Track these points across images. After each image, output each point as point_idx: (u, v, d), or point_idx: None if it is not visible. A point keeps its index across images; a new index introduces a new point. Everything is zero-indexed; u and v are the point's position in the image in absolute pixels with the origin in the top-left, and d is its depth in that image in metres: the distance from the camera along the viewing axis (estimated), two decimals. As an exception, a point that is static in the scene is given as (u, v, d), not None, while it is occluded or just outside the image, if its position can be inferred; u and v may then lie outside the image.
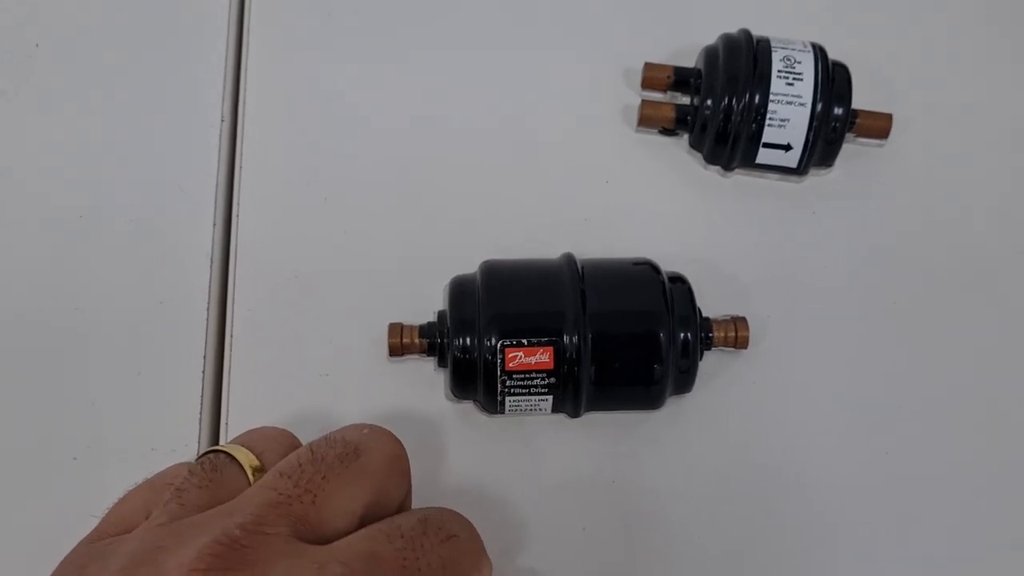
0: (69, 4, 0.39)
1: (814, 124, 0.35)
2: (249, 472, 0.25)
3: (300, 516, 0.22)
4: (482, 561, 0.25)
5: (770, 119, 0.35)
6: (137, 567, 0.22)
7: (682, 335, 0.31)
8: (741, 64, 0.35)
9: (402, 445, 0.26)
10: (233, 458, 0.25)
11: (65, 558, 0.24)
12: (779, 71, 0.35)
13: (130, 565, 0.22)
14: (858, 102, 0.36)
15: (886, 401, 0.34)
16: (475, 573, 0.24)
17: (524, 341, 0.30)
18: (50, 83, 0.38)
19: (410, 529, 0.23)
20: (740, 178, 0.37)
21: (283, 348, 0.33)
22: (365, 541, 0.22)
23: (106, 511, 0.25)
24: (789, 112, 0.35)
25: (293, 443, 0.27)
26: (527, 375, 0.30)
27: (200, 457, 0.26)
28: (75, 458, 0.32)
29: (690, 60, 0.38)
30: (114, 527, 0.25)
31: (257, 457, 0.25)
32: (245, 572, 0.21)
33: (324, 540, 0.22)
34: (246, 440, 0.27)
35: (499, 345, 0.30)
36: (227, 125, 0.37)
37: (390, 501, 0.25)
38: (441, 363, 0.32)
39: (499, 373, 0.30)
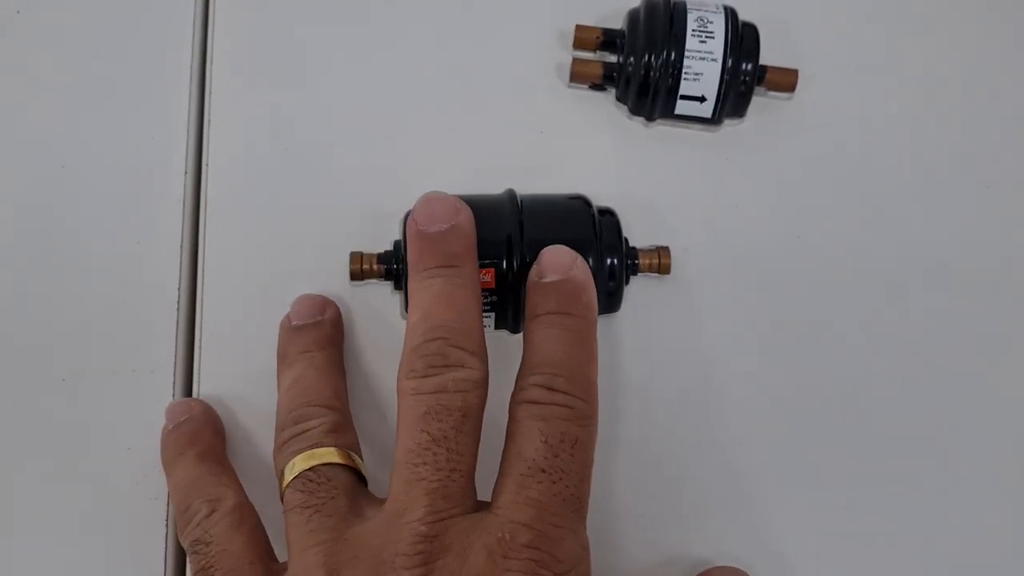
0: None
1: (725, 77, 0.39)
2: (345, 459, 0.29)
3: (459, 492, 0.26)
4: (595, 429, 0.29)
5: (685, 73, 0.39)
6: None
7: (609, 260, 0.35)
8: (659, 25, 0.39)
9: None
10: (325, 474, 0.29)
11: None
12: (693, 30, 0.39)
13: None
14: (769, 59, 0.40)
15: (792, 320, 0.38)
16: (594, 449, 0.28)
17: (468, 264, 0.34)
18: (29, 44, 0.41)
19: (543, 460, 0.27)
20: (662, 128, 0.41)
21: (254, 274, 0.37)
22: (522, 493, 0.26)
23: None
24: (702, 67, 0.39)
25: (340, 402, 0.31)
26: (472, 294, 0.34)
27: (294, 479, 0.29)
28: (63, 379, 0.35)
29: (618, 22, 0.42)
30: None
31: (336, 447, 0.29)
32: (452, 557, 0.24)
33: (473, 491, 0.27)
34: (299, 446, 0.30)
35: (446, 268, 0.34)
36: (195, 84, 0.41)
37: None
38: (397, 286, 0.36)
39: (447, 293, 0.34)
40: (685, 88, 0.39)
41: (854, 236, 0.40)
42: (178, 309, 0.37)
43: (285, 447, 0.29)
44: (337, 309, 0.35)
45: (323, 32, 0.42)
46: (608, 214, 0.36)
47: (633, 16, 0.40)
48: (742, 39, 0.40)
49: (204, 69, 0.41)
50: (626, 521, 0.36)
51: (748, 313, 0.38)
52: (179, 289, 0.37)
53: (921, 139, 0.42)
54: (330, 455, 0.29)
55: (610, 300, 0.36)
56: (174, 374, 0.35)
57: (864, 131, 0.42)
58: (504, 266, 0.34)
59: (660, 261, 0.37)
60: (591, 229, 0.35)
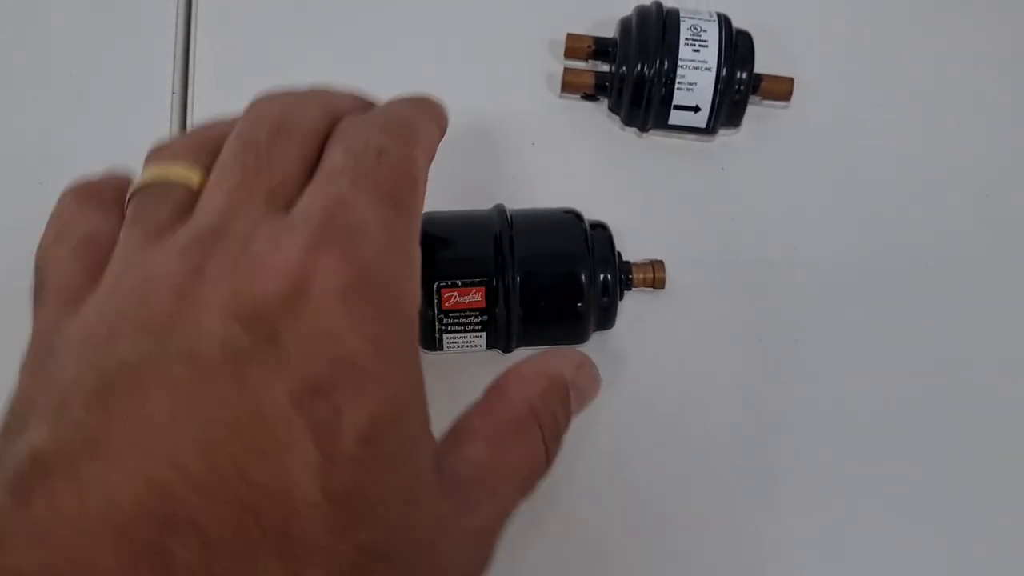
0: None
1: (719, 87, 0.38)
2: (191, 177, 0.24)
3: (264, 192, 0.23)
4: (416, 154, 0.25)
5: (679, 83, 0.38)
6: (125, 285, 0.21)
7: (602, 275, 0.34)
8: (651, 33, 0.38)
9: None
10: (170, 181, 0.24)
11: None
12: (686, 39, 0.38)
13: (116, 289, 0.21)
14: (764, 67, 0.39)
15: (790, 333, 0.38)
16: (415, 169, 0.25)
17: (458, 282, 0.33)
18: (5, 61, 0.40)
19: (343, 164, 0.23)
20: (655, 139, 0.40)
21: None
22: (320, 189, 0.23)
23: (33, 296, 0.24)
24: (696, 76, 0.38)
25: (210, 135, 0.26)
26: (462, 313, 0.33)
27: (134, 192, 0.24)
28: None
29: (610, 31, 0.41)
30: (67, 294, 0.23)
31: (188, 163, 0.24)
32: (233, 243, 0.21)
33: (286, 203, 0.23)
34: (165, 153, 0.25)
35: (436, 287, 0.33)
36: (178, 97, 0.40)
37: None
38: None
39: (436, 312, 0.33)
40: (679, 98, 0.38)
41: (852, 247, 0.39)
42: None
43: (145, 161, 0.26)
44: None
45: (310, 44, 0.41)
46: (600, 228, 0.36)
47: (625, 24, 0.40)
48: (736, 47, 0.39)
49: (186, 85, 0.40)
50: (621, 537, 0.35)
51: (745, 326, 0.38)
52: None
53: (920, 147, 0.41)
54: (178, 172, 0.24)
55: (604, 316, 0.35)
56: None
57: (862, 139, 0.41)
58: (494, 284, 0.33)
59: (655, 275, 0.36)
60: (583, 244, 0.34)
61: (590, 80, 0.40)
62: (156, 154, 0.25)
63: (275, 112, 0.25)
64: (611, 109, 0.40)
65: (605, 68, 0.41)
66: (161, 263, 0.21)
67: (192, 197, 0.24)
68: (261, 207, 0.22)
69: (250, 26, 0.41)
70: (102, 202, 0.26)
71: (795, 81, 0.40)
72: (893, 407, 0.37)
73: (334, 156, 0.24)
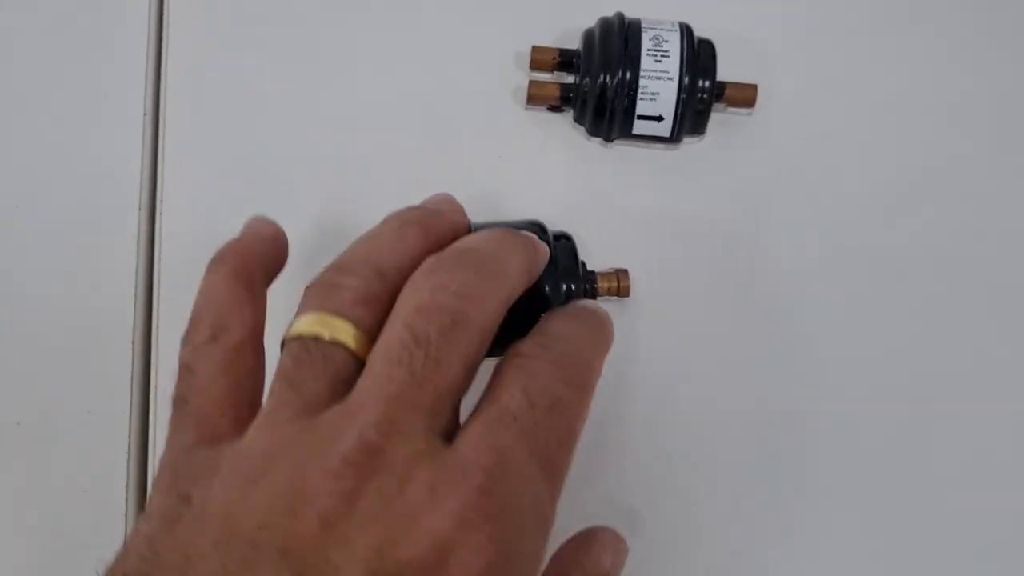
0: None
1: (682, 96, 0.39)
2: (353, 344, 0.24)
3: (427, 408, 0.22)
4: (585, 409, 0.25)
5: (641, 93, 0.39)
6: (274, 479, 0.21)
7: (565, 286, 0.35)
8: (614, 45, 0.39)
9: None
10: (333, 339, 0.24)
11: (159, 474, 0.23)
12: (648, 50, 0.39)
13: (264, 478, 0.21)
14: (729, 75, 0.40)
15: (758, 340, 0.38)
16: (581, 423, 0.25)
17: (421, 297, 0.33)
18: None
19: (518, 408, 0.23)
20: (621, 148, 0.41)
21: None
22: (487, 437, 0.23)
23: (175, 402, 0.24)
24: (659, 86, 0.39)
25: (373, 286, 0.25)
26: (426, 327, 0.34)
27: (295, 340, 0.24)
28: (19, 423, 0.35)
29: (575, 42, 0.41)
30: (209, 427, 0.23)
31: (354, 324, 0.24)
32: (390, 479, 0.21)
33: (446, 420, 0.23)
34: (330, 300, 0.25)
35: (399, 302, 0.33)
36: (149, 119, 0.40)
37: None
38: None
39: (400, 327, 0.33)
40: (642, 108, 0.39)
41: (818, 252, 0.40)
42: (133, 349, 0.36)
43: (311, 292, 0.25)
44: None
45: (277, 63, 0.41)
46: (564, 239, 0.36)
47: (588, 36, 0.40)
48: (698, 56, 0.39)
49: (157, 106, 0.40)
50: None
51: (712, 334, 0.38)
52: (134, 329, 0.36)
53: (884, 152, 0.41)
54: (343, 332, 0.24)
55: (568, 327, 0.35)
56: (130, 416, 0.35)
57: (826, 145, 0.41)
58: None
59: (619, 284, 0.37)
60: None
61: (555, 92, 0.40)
62: (319, 294, 0.25)
63: (451, 300, 0.24)
64: (576, 120, 0.41)
65: (570, 79, 0.41)
66: (315, 473, 0.21)
67: (351, 363, 0.24)
68: (421, 429, 0.22)
69: (221, 47, 0.41)
70: (252, 288, 0.26)
71: (759, 88, 0.40)
72: (867, 411, 0.37)
73: (510, 396, 0.24)
